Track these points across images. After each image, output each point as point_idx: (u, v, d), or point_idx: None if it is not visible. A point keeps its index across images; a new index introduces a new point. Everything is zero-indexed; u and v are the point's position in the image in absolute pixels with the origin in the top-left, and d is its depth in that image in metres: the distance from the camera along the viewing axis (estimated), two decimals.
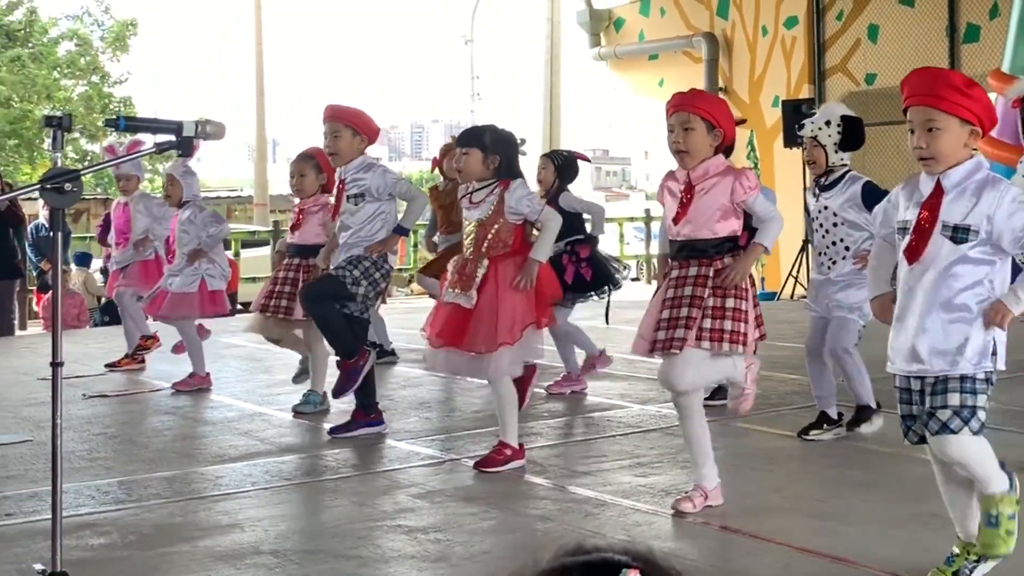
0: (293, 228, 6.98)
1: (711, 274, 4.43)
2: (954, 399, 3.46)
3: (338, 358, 6.15)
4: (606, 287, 7.21)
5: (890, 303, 3.71)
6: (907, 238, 3.57)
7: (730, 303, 4.41)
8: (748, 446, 5.87)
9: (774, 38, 15.46)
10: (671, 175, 4.62)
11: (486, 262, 5.27)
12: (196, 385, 7.75)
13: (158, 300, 7.78)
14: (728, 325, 4.39)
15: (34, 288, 13.79)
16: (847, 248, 5.67)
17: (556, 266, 6.70)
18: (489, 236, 5.31)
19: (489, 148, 5.37)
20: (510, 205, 5.29)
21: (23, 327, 12.78)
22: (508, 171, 5.39)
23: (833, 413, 5.89)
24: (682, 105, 4.51)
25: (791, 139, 12.57)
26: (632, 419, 6.56)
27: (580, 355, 7.48)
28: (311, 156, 6.96)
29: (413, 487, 5.14)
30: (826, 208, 5.73)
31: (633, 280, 17.58)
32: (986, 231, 3.45)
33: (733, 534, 4.32)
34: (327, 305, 6.07)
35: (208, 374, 7.88)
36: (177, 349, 7.95)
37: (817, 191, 5.80)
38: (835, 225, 5.70)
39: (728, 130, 4.53)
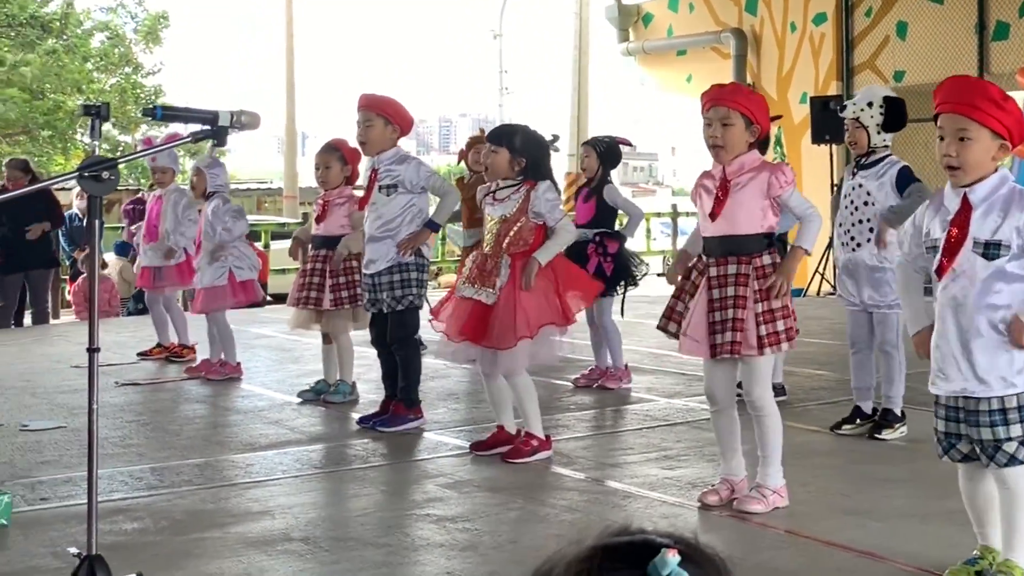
0: (318, 220, 7.02)
1: (751, 272, 4.42)
2: (1016, 430, 3.44)
3: (394, 400, 6.19)
4: (623, 283, 7.22)
5: (930, 339, 3.62)
6: (938, 257, 3.54)
7: (776, 304, 4.43)
8: None
9: (802, 34, 15.41)
10: (706, 174, 4.59)
11: (508, 259, 5.32)
12: (227, 374, 7.84)
13: (195, 298, 7.92)
14: (780, 326, 4.43)
15: (67, 277, 13.91)
16: (871, 230, 5.67)
17: (580, 255, 6.68)
18: (511, 233, 5.34)
19: (518, 150, 5.39)
20: (534, 205, 5.33)
21: (56, 316, 12.90)
22: (535, 173, 5.41)
23: (868, 408, 5.89)
24: (721, 99, 4.45)
25: (819, 136, 12.53)
26: (659, 412, 6.59)
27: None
28: (336, 148, 7.01)
29: (441, 477, 5.19)
30: (860, 186, 5.72)
31: (659, 275, 17.55)
32: (1018, 245, 3.42)
33: (759, 527, 4.35)
34: (413, 347, 6.17)
35: (239, 364, 7.97)
36: (190, 371, 8.11)
37: (855, 169, 5.80)
38: (865, 204, 5.69)
39: (764, 126, 4.51)
